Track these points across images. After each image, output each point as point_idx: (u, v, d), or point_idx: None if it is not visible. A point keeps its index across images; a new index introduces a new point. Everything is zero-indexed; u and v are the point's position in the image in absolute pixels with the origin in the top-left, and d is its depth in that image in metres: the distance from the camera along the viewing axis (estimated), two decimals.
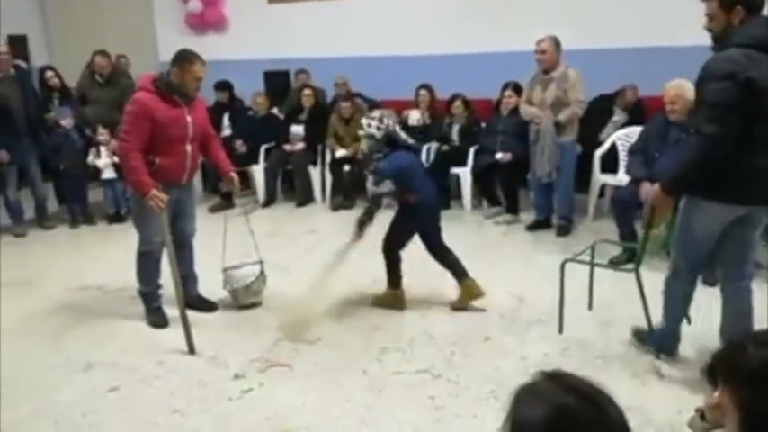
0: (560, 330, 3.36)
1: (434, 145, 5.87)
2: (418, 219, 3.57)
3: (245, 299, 3.77)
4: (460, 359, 3.11)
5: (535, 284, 3.97)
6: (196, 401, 2.81)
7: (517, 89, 5.32)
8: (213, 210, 5.93)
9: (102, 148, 5.58)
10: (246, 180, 6.52)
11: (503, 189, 5.44)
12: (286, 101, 6.78)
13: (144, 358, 3.21)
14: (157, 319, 3.60)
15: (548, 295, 3.79)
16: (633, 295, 3.11)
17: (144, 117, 3.25)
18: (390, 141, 3.49)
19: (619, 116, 5.57)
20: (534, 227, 5.07)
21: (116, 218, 5.63)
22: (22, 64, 6.00)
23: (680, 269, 2.84)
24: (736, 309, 2.79)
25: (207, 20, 7.51)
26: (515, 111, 5.22)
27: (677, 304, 2.93)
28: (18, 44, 5.97)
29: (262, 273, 3.82)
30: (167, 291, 3.61)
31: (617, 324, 3.38)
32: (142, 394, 2.90)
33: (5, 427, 2.67)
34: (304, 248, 4.78)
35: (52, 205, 5.85)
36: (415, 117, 5.99)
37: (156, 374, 3.07)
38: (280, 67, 7.06)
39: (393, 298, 3.68)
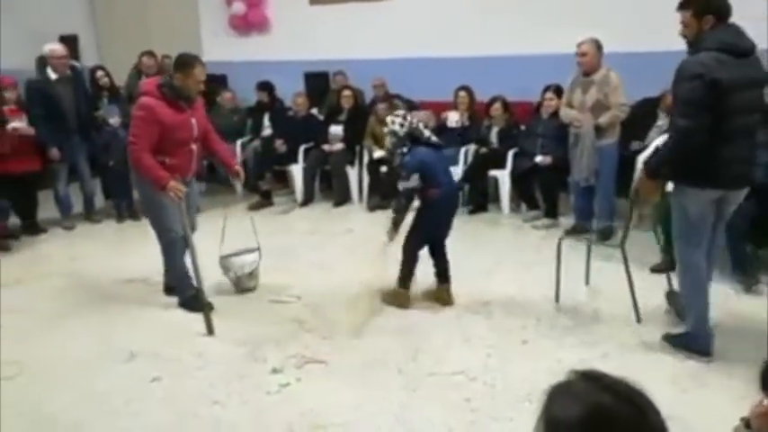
0: (557, 299, 3.69)
1: (473, 147, 5.84)
2: (438, 213, 3.64)
3: (247, 284, 4.01)
4: (496, 362, 3.09)
5: (573, 289, 3.92)
6: (235, 394, 2.87)
7: (558, 92, 5.25)
8: (253, 208, 6.04)
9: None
10: (285, 179, 6.63)
11: (542, 192, 5.38)
12: (325, 101, 6.85)
13: (185, 350, 3.29)
14: (203, 303, 3.58)
15: (586, 301, 3.76)
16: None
17: (152, 121, 3.39)
18: (413, 138, 3.57)
19: (663, 120, 5.43)
20: (573, 231, 4.97)
21: None
22: (78, 65, 6.21)
23: (686, 263, 2.99)
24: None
25: (250, 21, 7.64)
26: (556, 114, 5.15)
27: (696, 299, 2.99)
28: (69, 44, 6.18)
29: (260, 258, 4.03)
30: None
31: (659, 331, 3.31)
32: (183, 385, 2.98)
33: (50, 413, 2.78)
34: (341, 247, 4.82)
35: (99, 200, 6.04)
36: (453, 119, 6.00)
37: (197, 366, 3.14)
38: (320, 68, 7.13)
39: (398, 296, 3.74)
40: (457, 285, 3.98)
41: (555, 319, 3.56)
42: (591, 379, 1.01)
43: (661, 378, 2.86)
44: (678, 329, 3.17)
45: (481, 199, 5.73)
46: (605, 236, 4.81)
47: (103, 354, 3.30)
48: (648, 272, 4.03)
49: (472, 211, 5.66)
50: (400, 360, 3.14)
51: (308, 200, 6.27)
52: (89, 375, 3.09)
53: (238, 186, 6.65)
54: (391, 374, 3.01)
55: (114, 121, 5.73)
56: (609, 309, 3.64)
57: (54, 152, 5.31)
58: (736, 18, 2.81)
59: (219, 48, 7.90)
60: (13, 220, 5.44)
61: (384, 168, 5.92)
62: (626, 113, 4.70)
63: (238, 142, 6.65)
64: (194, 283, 3.64)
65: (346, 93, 6.33)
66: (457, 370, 3.02)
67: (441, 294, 3.78)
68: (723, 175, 2.82)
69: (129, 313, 3.79)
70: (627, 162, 5.00)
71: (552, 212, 5.27)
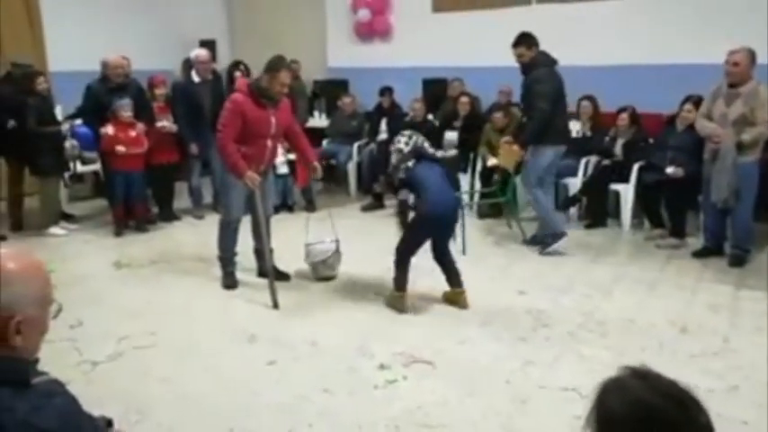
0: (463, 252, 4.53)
1: (594, 158, 5.62)
2: (426, 228, 3.75)
3: (322, 272, 4.26)
4: None
5: (701, 315, 3.66)
6: (345, 384, 2.96)
7: (699, 104, 4.91)
8: (365, 209, 6.20)
9: (279, 146, 6.03)
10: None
11: (668, 210, 5.04)
12: (442, 107, 6.88)
13: (299, 338, 3.45)
14: (230, 282, 4.22)
15: (715, 328, 3.49)
16: None
17: (237, 114, 3.82)
18: (418, 155, 3.77)
19: None
20: (702, 253, 4.63)
21: (283, 207, 6.08)
22: (219, 69, 6.69)
23: (540, 196, 4.73)
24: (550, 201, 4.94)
25: (374, 28, 7.87)
26: (691, 127, 4.83)
27: (549, 210, 4.79)
28: (208, 48, 6.68)
29: (337, 250, 4.28)
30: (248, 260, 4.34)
31: None
32: (297, 371, 3.12)
33: (177, 382, 3.02)
34: None
35: None
36: (575, 128, 5.80)
37: (310, 354, 3.28)
38: (438, 74, 7.18)
39: (393, 299, 3.80)
40: (570, 300, 3.87)
41: (679, 344, 3.33)
42: (642, 377, 1.05)
43: None
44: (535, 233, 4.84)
45: (600, 213, 5.49)
46: (738, 262, 4.44)
47: (227, 334, 3.54)
48: None
49: (589, 226, 5.44)
50: (508, 370, 3.08)
51: None
52: (214, 353, 3.32)
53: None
54: (499, 383, 2.97)
55: None
56: (742, 337, 3.36)
57: (194, 147, 5.77)
58: None
59: (342, 54, 8.20)
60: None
61: (497, 177, 5.85)
62: None
63: (355, 145, 6.85)
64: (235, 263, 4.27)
65: (463, 99, 6.32)
66: (568, 386, 2.91)
67: (453, 297, 3.83)
68: (562, 138, 4.70)
69: (250, 299, 4.04)
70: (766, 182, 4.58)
71: (679, 232, 4.93)
